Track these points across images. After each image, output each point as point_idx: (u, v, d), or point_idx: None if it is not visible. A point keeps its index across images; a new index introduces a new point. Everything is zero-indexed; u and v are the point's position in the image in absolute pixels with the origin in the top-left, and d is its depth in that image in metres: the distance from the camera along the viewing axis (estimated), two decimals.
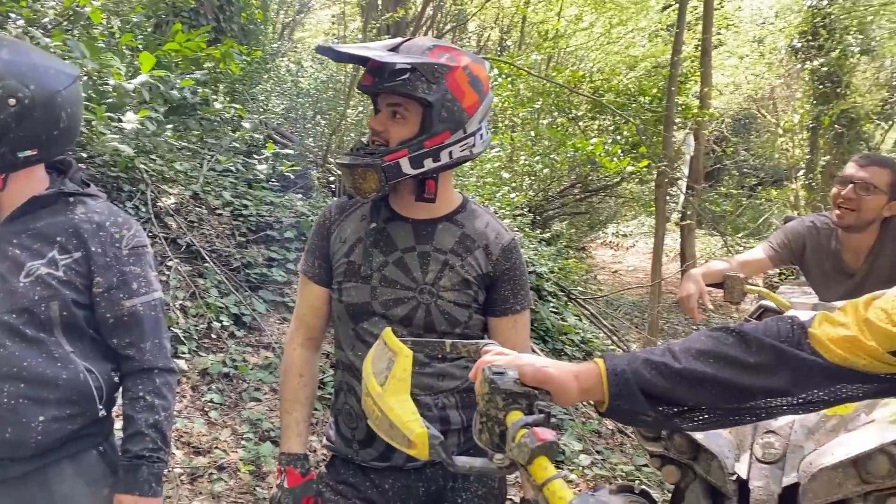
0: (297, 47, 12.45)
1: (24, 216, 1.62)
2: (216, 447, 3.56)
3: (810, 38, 12.57)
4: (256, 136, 5.40)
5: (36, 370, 1.56)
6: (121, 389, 1.74)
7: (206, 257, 4.59)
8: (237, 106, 4.86)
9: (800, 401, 1.01)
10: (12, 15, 3.79)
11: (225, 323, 4.32)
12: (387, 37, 7.48)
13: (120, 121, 3.71)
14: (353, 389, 1.71)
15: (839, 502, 1.91)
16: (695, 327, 8.68)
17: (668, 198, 7.75)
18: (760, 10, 15.10)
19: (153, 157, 4.91)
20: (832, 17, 11.86)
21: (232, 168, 5.54)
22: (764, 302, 2.95)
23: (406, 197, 1.71)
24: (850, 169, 2.63)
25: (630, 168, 7.44)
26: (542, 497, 0.87)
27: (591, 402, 1.07)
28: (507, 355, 1.08)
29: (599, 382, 1.05)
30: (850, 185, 2.57)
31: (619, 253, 14.45)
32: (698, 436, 2.08)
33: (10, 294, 1.56)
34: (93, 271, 1.65)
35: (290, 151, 5.62)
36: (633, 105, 8.60)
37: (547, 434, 0.88)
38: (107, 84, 3.36)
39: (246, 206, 5.17)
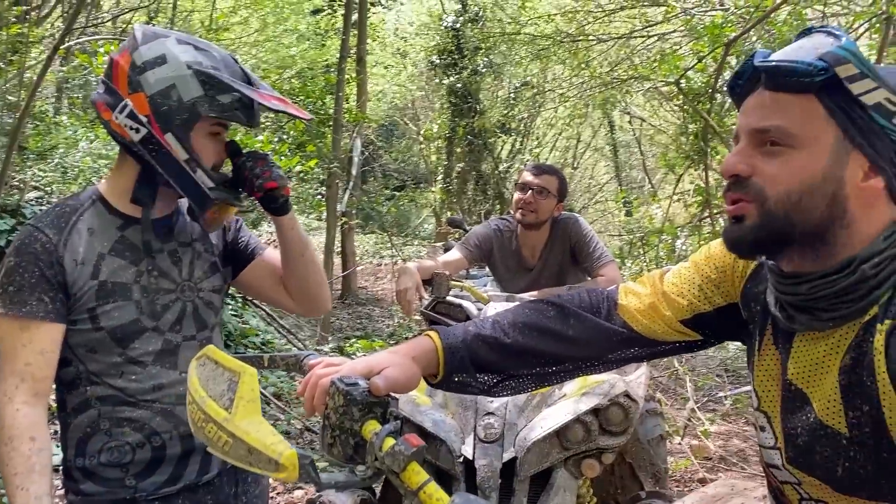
0: None
1: None
2: None
3: (448, 56, 13.94)
4: None
5: None
6: None
7: None
8: None
9: (597, 364, 1.18)
10: None
11: None
12: (19, 7, 6.51)
13: None
14: (125, 419, 1.53)
15: (547, 470, 2.21)
16: (358, 321, 9.11)
17: (336, 198, 7.99)
18: (402, 26, 16.36)
19: None
20: (466, 39, 13.30)
21: None
22: (440, 295, 3.26)
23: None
24: (527, 177, 3.06)
25: (299, 168, 7.51)
26: (417, 502, 0.90)
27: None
28: (339, 365, 1.08)
29: (436, 359, 1.11)
30: (529, 191, 2.99)
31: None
32: (427, 424, 2.24)
33: None
34: None
35: None
36: (300, 104, 8.69)
37: (417, 440, 0.92)
38: None
39: None
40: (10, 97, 5.90)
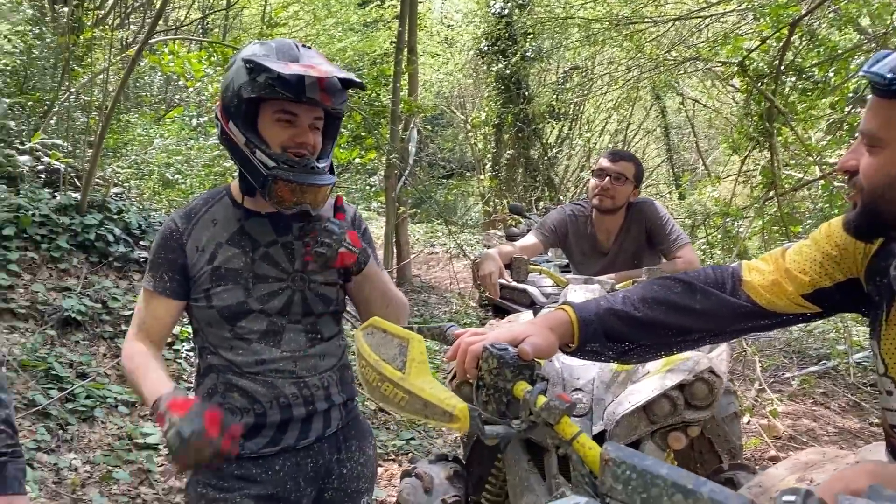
0: None
1: None
2: None
3: (496, 42, 13.95)
4: (4, 122, 4.58)
5: None
6: None
7: None
8: None
9: (717, 335, 1.29)
10: None
11: None
12: (97, 11, 6.79)
13: None
14: (235, 386, 1.72)
15: (634, 442, 2.31)
16: (415, 308, 9.26)
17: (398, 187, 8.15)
18: (449, 15, 16.41)
19: None
20: (513, 24, 13.31)
21: None
22: (502, 281, 3.36)
23: (259, 195, 1.73)
24: (604, 163, 3.14)
25: (359, 160, 7.68)
26: (571, 450, 1.02)
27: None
28: (484, 334, 1.20)
29: (571, 330, 1.23)
30: (607, 177, 3.08)
31: None
32: None
33: None
34: None
35: (58, 141, 4.88)
36: (354, 98, 8.86)
37: (568, 397, 1.04)
38: None
39: None
40: (83, 97, 6.17)
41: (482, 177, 15.54)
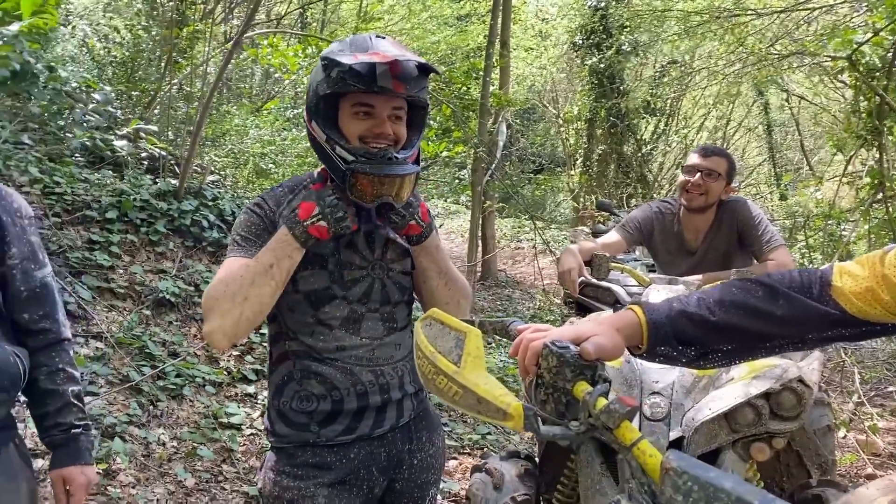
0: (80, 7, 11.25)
1: None
2: None
3: (591, 36, 13.71)
4: (111, 109, 4.88)
5: None
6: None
7: None
8: (88, 76, 4.36)
9: (798, 343, 1.20)
10: None
11: None
12: (203, 5, 7.06)
13: None
14: (313, 372, 1.73)
15: (714, 451, 2.21)
16: (498, 303, 9.24)
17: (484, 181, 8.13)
18: (544, 8, 16.22)
19: None
20: (609, 17, 13.03)
21: (30, 141, 4.94)
22: (584, 277, 3.27)
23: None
24: (695, 159, 3.01)
25: (446, 153, 7.71)
26: (631, 457, 0.97)
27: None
28: (546, 331, 1.16)
29: (640, 332, 1.17)
30: (698, 173, 2.95)
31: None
32: None
33: None
34: (8, 242, 1.58)
35: (155, 129, 5.16)
36: (444, 91, 8.89)
37: (631, 401, 0.99)
38: None
39: (58, 184, 4.67)
40: (186, 88, 6.44)
41: (572, 172, 15.34)
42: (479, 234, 10.87)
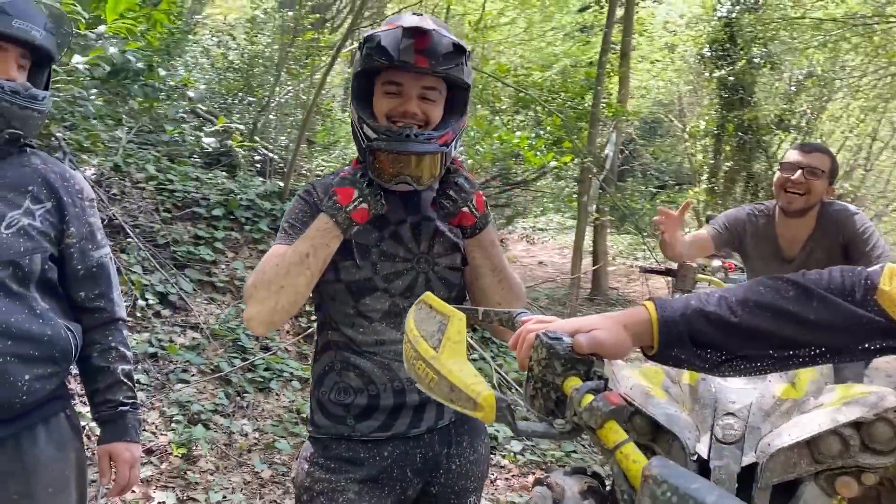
0: (211, 21, 11.98)
1: None
2: (144, 430, 3.39)
3: (719, 47, 13.13)
4: (202, 107, 5.17)
5: (22, 326, 1.49)
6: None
7: (130, 232, 4.36)
8: (184, 73, 4.63)
9: (841, 354, 1.03)
10: None
11: (150, 301, 4.12)
12: (316, 16, 7.32)
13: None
14: (352, 364, 1.68)
15: (792, 481, 1.99)
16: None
17: (588, 194, 7.92)
18: (672, 19, 15.71)
19: (67, 125, 4.62)
20: (741, 28, 12.44)
21: (155, 140, 5.28)
22: (683, 289, 3.05)
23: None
24: (795, 156, 2.75)
25: (553, 163, 7.57)
26: (613, 461, 0.86)
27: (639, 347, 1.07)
28: (550, 322, 1.06)
29: (649, 330, 1.04)
30: (799, 171, 2.69)
31: (535, 247, 14.74)
32: (659, 417, 2.13)
33: None
34: (67, 221, 1.62)
35: (241, 126, 5.42)
36: (556, 101, 8.76)
37: (618, 399, 0.88)
38: None
39: (171, 181, 4.95)
40: (302, 96, 6.67)
41: (696, 189, 14.72)
42: (591, 249, 10.62)
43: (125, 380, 1.73)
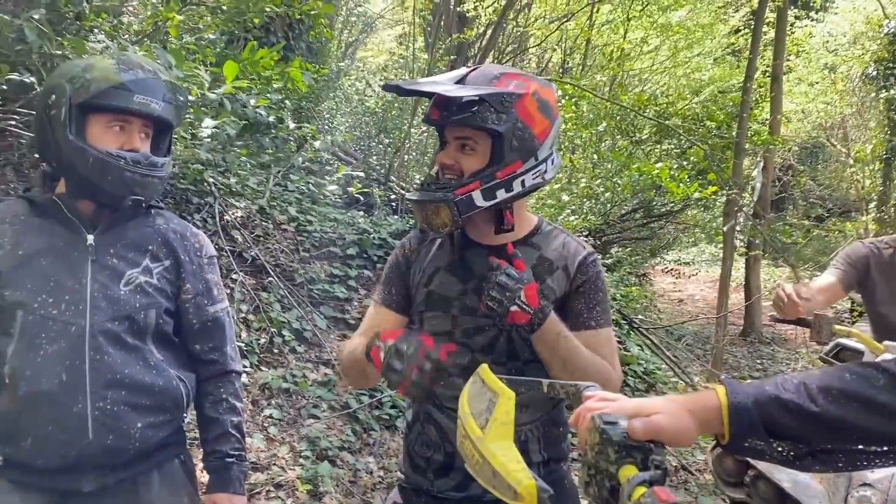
0: (360, 66, 12.59)
1: (115, 227, 1.66)
2: (274, 464, 3.54)
3: (887, 65, 12.12)
4: (326, 155, 5.46)
5: (136, 377, 1.60)
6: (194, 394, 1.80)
7: (271, 272, 4.62)
8: (310, 126, 4.91)
9: None
10: (95, 29, 3.89)
11: (286, 338, 4.32)
12: (451, 58, 7.50)
13: (194, 134, 3.77)
14: (432, 418, 1.67)
15: None
16: (759, 362, 8.39)
17: (736, 226, 7.51)
18: (833, 37, 14.68)
19: (221, 170, 4.99)
20: None
21: (292, 187, 5.59)
22: (841, 340, 2.78)
23: (481, 225, 1.67)
24: None
25: (697, 194, 7.24)
26: None
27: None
28: (613, 401, 1.00)
29: (719, 417, 0.95)
30: None
31: (680, 281, 14.15)
32: (785, 484, 1.97)
33: (113, 302, 1.59)
34: (183, 278, 1.72)
35: (361, 174, 5.65)
36: (700, 130, 8.41)
37: (668, 495, 0.81)
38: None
39: (310, 222, 5.20)
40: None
41: (864, 218, 13.56)
42: (744, 282, 10.02)
43: (234, 432, 1.77)
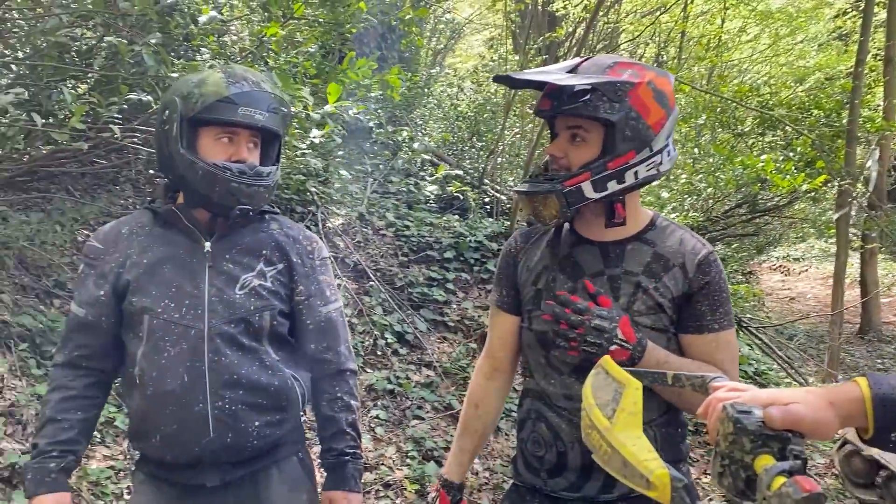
0: (450, 71, 12.68)
1: (230, 234, 1.72)
2: (382, 464, 3.60)
3: None
4: (425, 157, 5.54)
5: (252, 377, 1.66)
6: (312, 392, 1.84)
7: (372, 276, 4.72)
8: (407, 129, 4.99)
9: None
10: (202, 48, 4.10)
11: (389, 340, 4.40)
12: (542, 58, 7.45)
13: (296, 146, 3.90)
14: (543, 416, 1.66)
15: None
16: (879, 361, 7.91)
17: (849, 218, 7.11)
18: None
19: (321, 180, 5.15)
20: None
21: (394, 190, 5.70)
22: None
23: (591, 220, 1.63)
24: None
25: (805, 185, 6.89)
26: None
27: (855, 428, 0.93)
28: (744, 391, 0.96)
29: (863, 410, 0.90)
30: None
31: (789, 278, 13.53)
32: None
33: (228, 305, 1.66)
34: (295, 280, 1.77)
35: (460, 172, 5.70)
36: (808, 119, 8.00)
37: (812, 485, 0.77)
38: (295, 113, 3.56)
39: (408, 227, 5.28)
40: (529, 135, 6.78)
41: None
42: (860, 278, 9.47)
43: (349, 429, 1.80)
